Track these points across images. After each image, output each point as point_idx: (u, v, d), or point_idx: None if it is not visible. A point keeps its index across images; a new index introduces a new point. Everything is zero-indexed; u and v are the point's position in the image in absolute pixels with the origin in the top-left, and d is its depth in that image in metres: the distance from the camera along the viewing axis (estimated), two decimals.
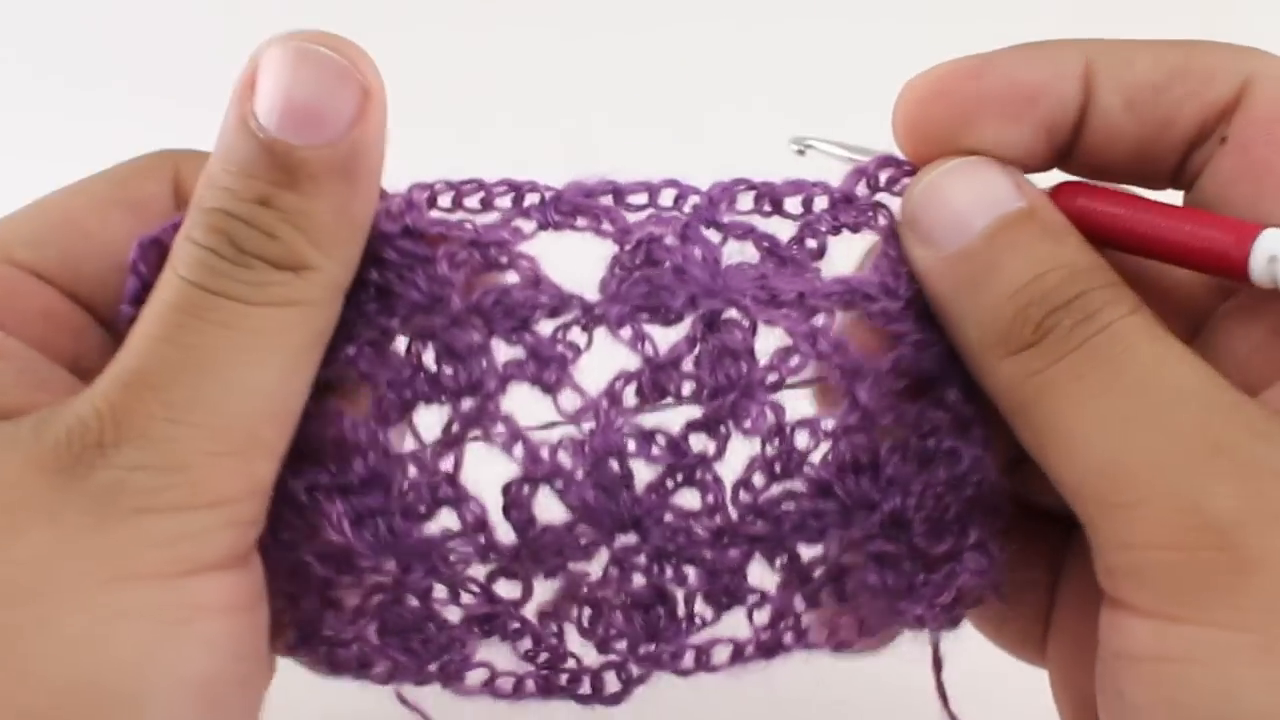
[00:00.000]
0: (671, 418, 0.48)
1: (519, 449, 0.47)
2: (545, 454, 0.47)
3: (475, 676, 0.49)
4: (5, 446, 0.41)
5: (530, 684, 0.49)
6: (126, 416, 0.41)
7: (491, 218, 0.48)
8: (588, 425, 0.47)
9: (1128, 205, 0.47)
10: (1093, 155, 0.48)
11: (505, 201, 0.48)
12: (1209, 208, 0.47)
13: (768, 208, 0.49)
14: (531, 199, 0.48)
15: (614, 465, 0.47)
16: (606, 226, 0.48)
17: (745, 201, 0.49)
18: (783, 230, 0.49)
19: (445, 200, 0.48)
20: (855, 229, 0.49)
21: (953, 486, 0.48)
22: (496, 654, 0.50)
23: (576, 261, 0.49)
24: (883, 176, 0.49)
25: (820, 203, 0.49)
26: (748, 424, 0.47)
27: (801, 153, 0.51)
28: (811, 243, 0.49)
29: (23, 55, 1.08)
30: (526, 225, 0.48)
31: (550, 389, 0.47)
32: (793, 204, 0.49)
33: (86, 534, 0.40)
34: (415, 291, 0.47)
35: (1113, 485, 0.42)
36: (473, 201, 0.48)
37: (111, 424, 0.41)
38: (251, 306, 0.42)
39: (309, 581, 0.48)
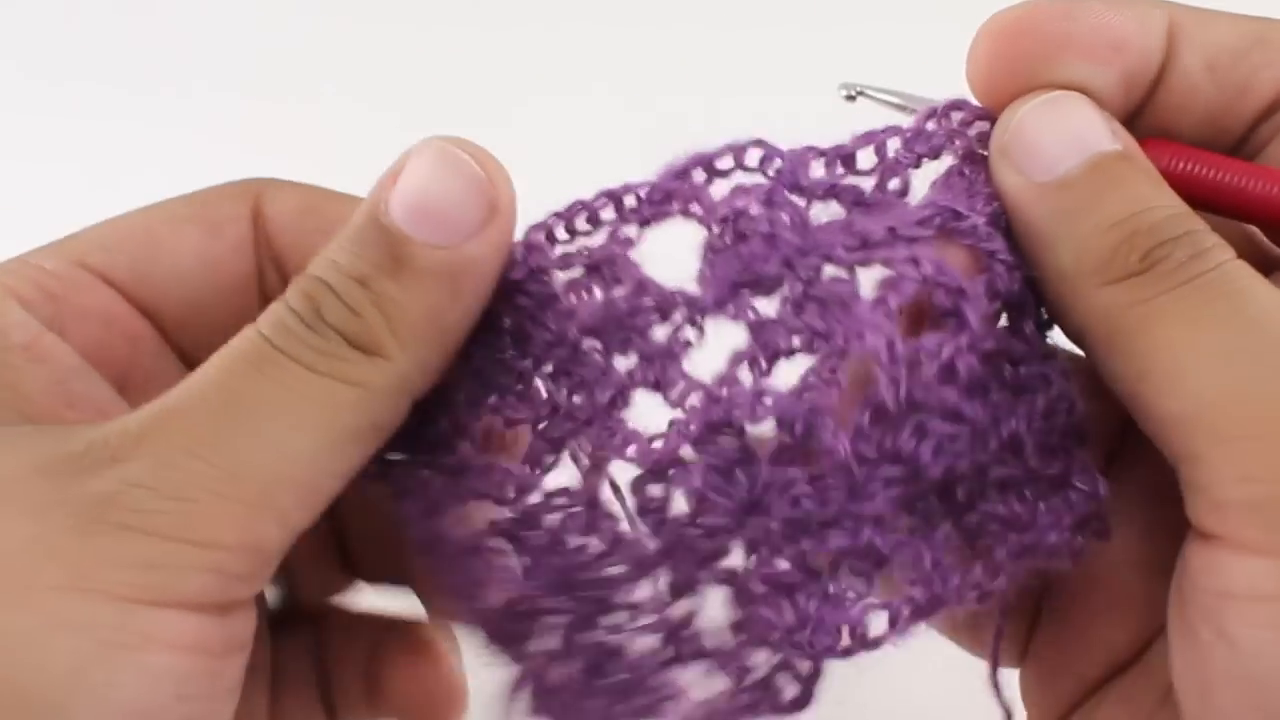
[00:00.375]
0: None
1: (632, 450, 0.46)
2: (659, 445, 0.46)
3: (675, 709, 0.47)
4: (22, 448, 0.41)
5: (721, 710, 0.47)
6: (148, 439, 0.41)
7: (603, 234, 0.48)
8: (693, 401, 0.46)
9: (1219, 164, 0.47)
10: (1166, 114, 0.48)
11: (609, 213, 0.48)
12: None
13: (840, 170, 0.48)
14: (630, 201, 0.47)
15: (726, 440, 0.46)
16: (695, 209, 0.47)
17: (817, 170, 0.48)
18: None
19: (560, 232, 0.48)
20: (935, 155, 0.49)
21: (1049, 412, 0.47)
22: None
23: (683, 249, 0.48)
24: (954, 118, 0.49)
25: (893, 145, 0.49)
26: (867, 342, 0.45)
27: (852, 99, 0.51)
28: (894, 182, 0.49)
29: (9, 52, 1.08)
30: (631, 230, 0.48)
31: (660, 387, 0.46)
32: (864, 157, 0.49)
33: (64, 535, 0.39)
34: (546, 331, 0.47)
35: (1230, 417, 0.41)
36: (581, 223, 0.48)
37: (132, 443, 0.41)
38: (312, 374, 0.42)
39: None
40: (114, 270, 0.48)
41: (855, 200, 0.48)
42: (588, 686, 0.47)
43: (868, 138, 0.48)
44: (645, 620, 0.47)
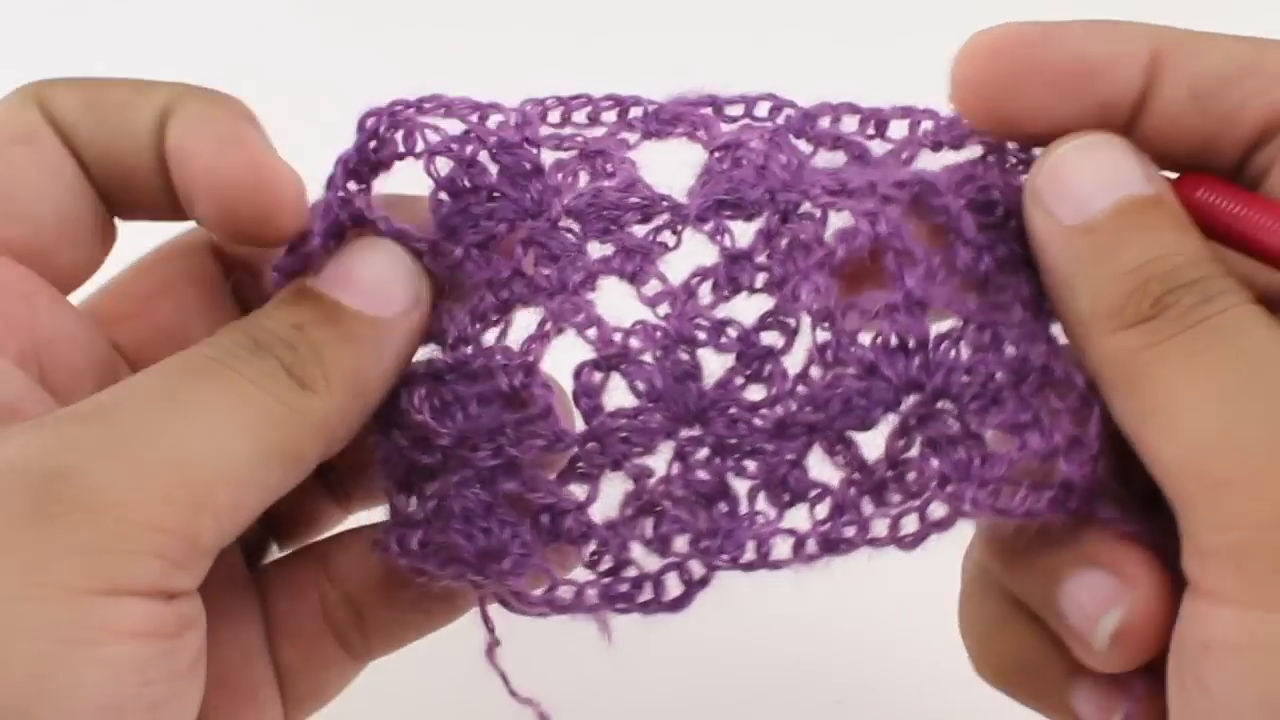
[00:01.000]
0: (742, 314, 0.50)
1: (593, 332, 0.50)
2: (618, 338, 0.49)
3: (535, 585, 0.50)
4: None
5: (591, 593, 0.49)
6: (96, 423, 0.42)
7: (598, 132, 0.51)
8: (663, 310, 0.49)
9: (1252, 205, 0.46)
10: (1151, 143, 0.47)
11: (610, 116, 0.51)
12: None
13: (871, 131, 0.51)
14: (635, 112, 0.51)
15: (684, 354, 0.49)
16: (701, 134, 0.51)
17: (850, 125, 0.51)
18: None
19: (555, 115, 0.51)
20: (957, 147, 0.51)
21: (1012, 369, 0.48)
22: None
23: (677, 174, 0.51)
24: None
25: (926, 125, 0.51)
26: (800, 302, 0.49)
27: None
28: (905, 154, 0.51)
29: None
30: (631, 137, 0.51)
31: (634, 279, 0.50)
32: (898, 129, 0.52)
33: (17, 525, 0.39)
34: (527, 198, 0.50)
35: (1219, 461, 0.41)
36: (580, 116, 0.51)
37: (80, 425, 0.42)
38: (253, 386, 0.44)
39: (400, 465, 0.50)
40: None
41: (859, 155, 0.51)
42: (455, 529, 0.49)
43: (905, 111, 0.51)
44: (539, 494, 0.50)
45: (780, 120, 0.51)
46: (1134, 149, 0.47)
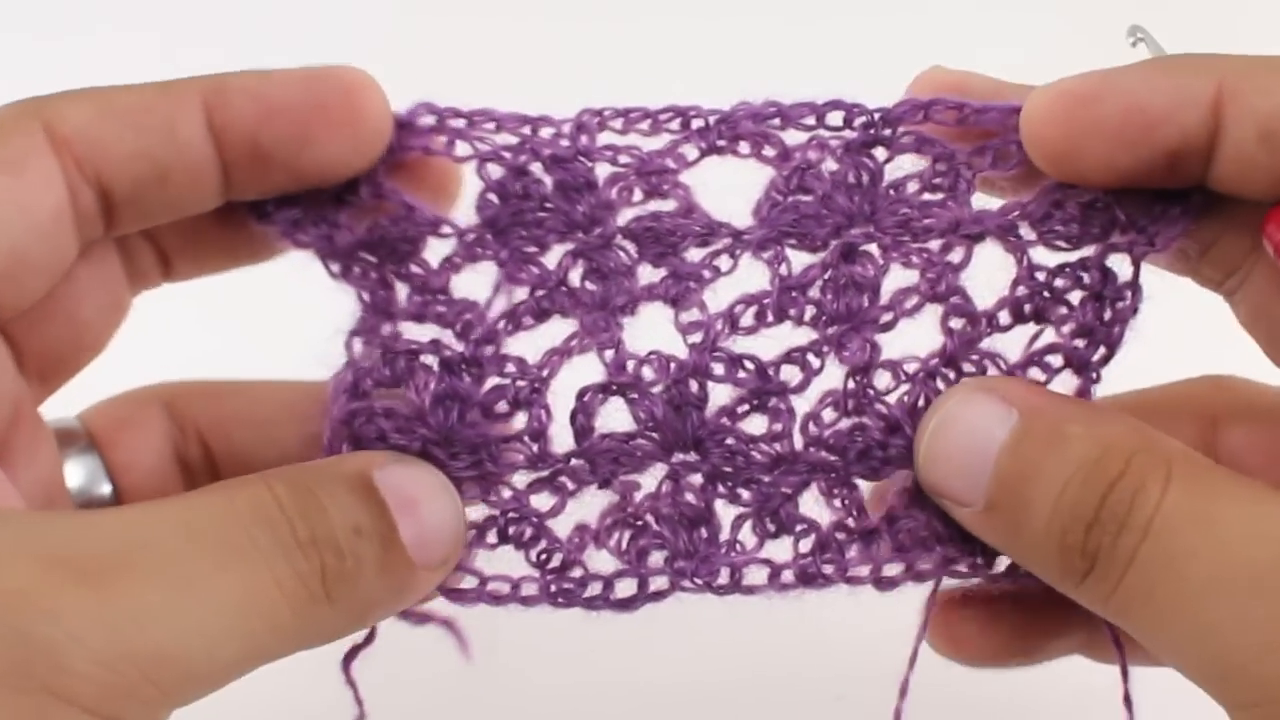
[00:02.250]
0: (764, 347, 0.49)
1: (610, 355, 0.49)
2: (631, 366, 0.49)
3: (466, 580, 0.49)
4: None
5: (531, 588, 0.49)
6: (89, 600, 0.39)
7: (659, 141, 0.50)
8: (694, 338, 0.49)
9: None
10: (1228, 184, 0.46)
11: (673, 126, 0.49)
12: None
13: (970, 120, 0.49)
14: (697, 124, 0.49)
15: (694, 385, 0.49)
16: (768, 151, 0.50)
17: (944, 117, 0.49)
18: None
19: (616, 124, 0.50)
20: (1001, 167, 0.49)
21: None
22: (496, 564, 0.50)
23: (737, 185, 0.50)
24: None
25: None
26: (845, 354, 0.49)
27: (1134, 45, 0.51)
28: (979, 161, 0.49)
29: None
30: (690, 152, 0.50)
31: (676, 304, 0.49)
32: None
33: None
34: (579, 212, 0.49)
35: (1231, 689, 0.41)
36: (641, 128, 0.50)
37: (76, 590, 0.39)
38: (276, 589, 0.42)
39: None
40: None
41: (941, 156, 0.49)
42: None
43: (1009, 118, 0.48)
44: (503, 505, 0.49)
45: (856, 125, 0.49)
46: (987, 386, 0.47)
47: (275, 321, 0.66)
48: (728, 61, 0.97)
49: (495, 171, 0.49)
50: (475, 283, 0.50)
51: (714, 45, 1.00)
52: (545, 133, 0.49)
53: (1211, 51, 0.46)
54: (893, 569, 0.49)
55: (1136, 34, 0.51)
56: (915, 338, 0.50)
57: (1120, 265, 0.49)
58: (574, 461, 0.49)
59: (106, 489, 0.52)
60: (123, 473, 0.52)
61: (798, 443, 0.49)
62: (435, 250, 0.50)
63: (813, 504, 0.50)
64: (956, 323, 0.49)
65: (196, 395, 0.54)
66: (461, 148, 0.50)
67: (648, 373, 0.49)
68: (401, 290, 0.50)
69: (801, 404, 0.50)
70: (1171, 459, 0.43)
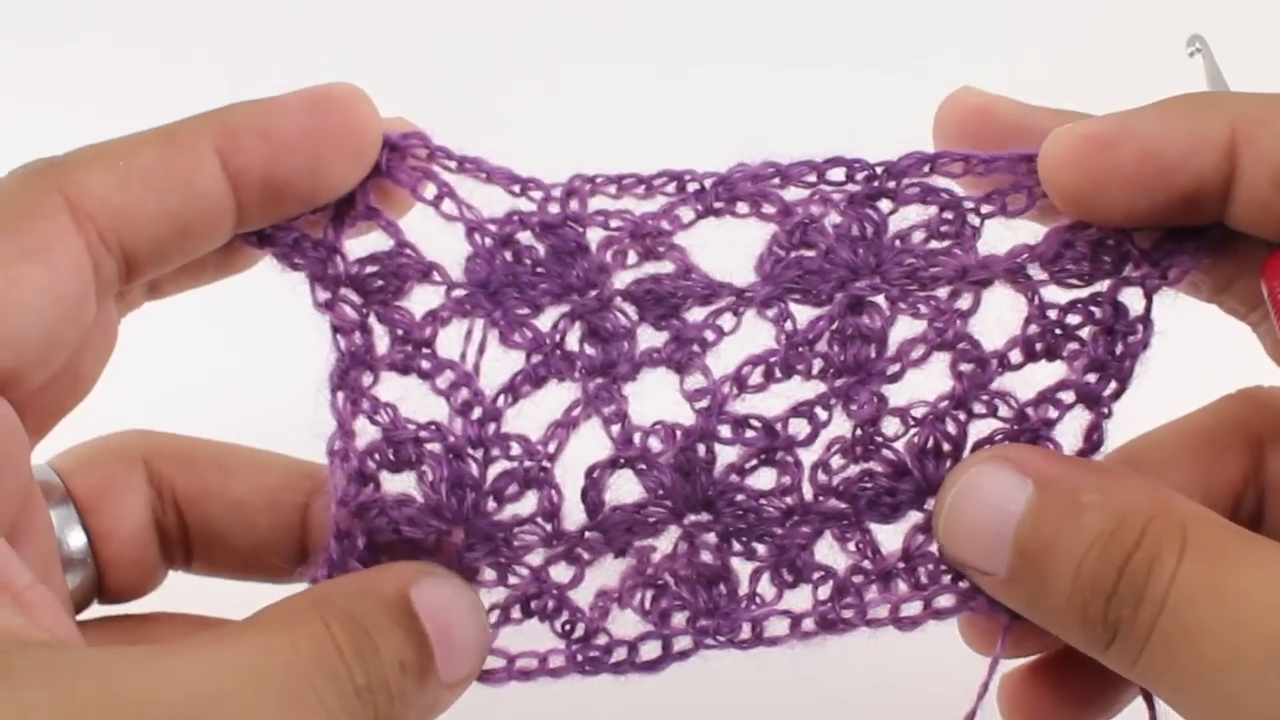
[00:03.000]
0: (771, 401, 0.49)
1: (616, 429, 0.49)
2: (638, 439, 0.49)
3: (495, 661, 0.49)
4: None
5: (559, 659, 0.49)
6: None
7: (654, 204, 0.49)
8: (700, 404, 0.49)
9: None
10: (1245, 225, 0.46)
11: (669, 189, 0.49)
12: None
13: (977, 171, 0.48)
14: (693, 188, 0.49)
15: (701, 450, 0.49)
16: (768, 209, 0.49)
17: (954, 169, 0.48)
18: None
19: (609, 190, 0.49)
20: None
21: None
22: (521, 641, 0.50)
23: (735, 242, 0.49)
24: None
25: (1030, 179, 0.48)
26: (853, 408, 0.48)
27: (1191, 55, 0.51)
28: (988, 208, 0.49)
29: None
30: (686, 214, 0.49)
31: (680, 369, 0.49)
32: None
33: None
34: (574, 275, 0.48)
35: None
36: (636, 193, 0.49)
37: None
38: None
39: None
40: None
41: (946, 205, 0.49)
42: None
43: (1017, 165, 0.48)
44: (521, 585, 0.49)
45: (859, 178, 0.48)
46: (1001, 458, 0.46)
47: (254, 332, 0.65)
48: (747, 81, 0.96)
49: (484, 239, 0.49)
50: (457, 344, 0.50)
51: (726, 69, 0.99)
52: (535, 195, 0.48)
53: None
54: (912, 608, 0.49)
55: (1195, 44, 0.51)
56: (923, 383, 0.49)
57: (1132, 298, 0.48)
58: (588, 535, 0.49)
59: (81, 540, 0.51)
60: (104, 541, 0.52)
61: (807, 493, 0.49)
62: (420, 300, 0.49)
63: (828, 550, 0.50)
64: (966, 367, 0.48)
65: (175, 459, 0.53)
66: (448, 206, 0.49)
67: (654, 444, 0.49)
68: (381, 338, 0.49)
69: (809, 455, 0.49)
70: (1187, 524, 0.43)
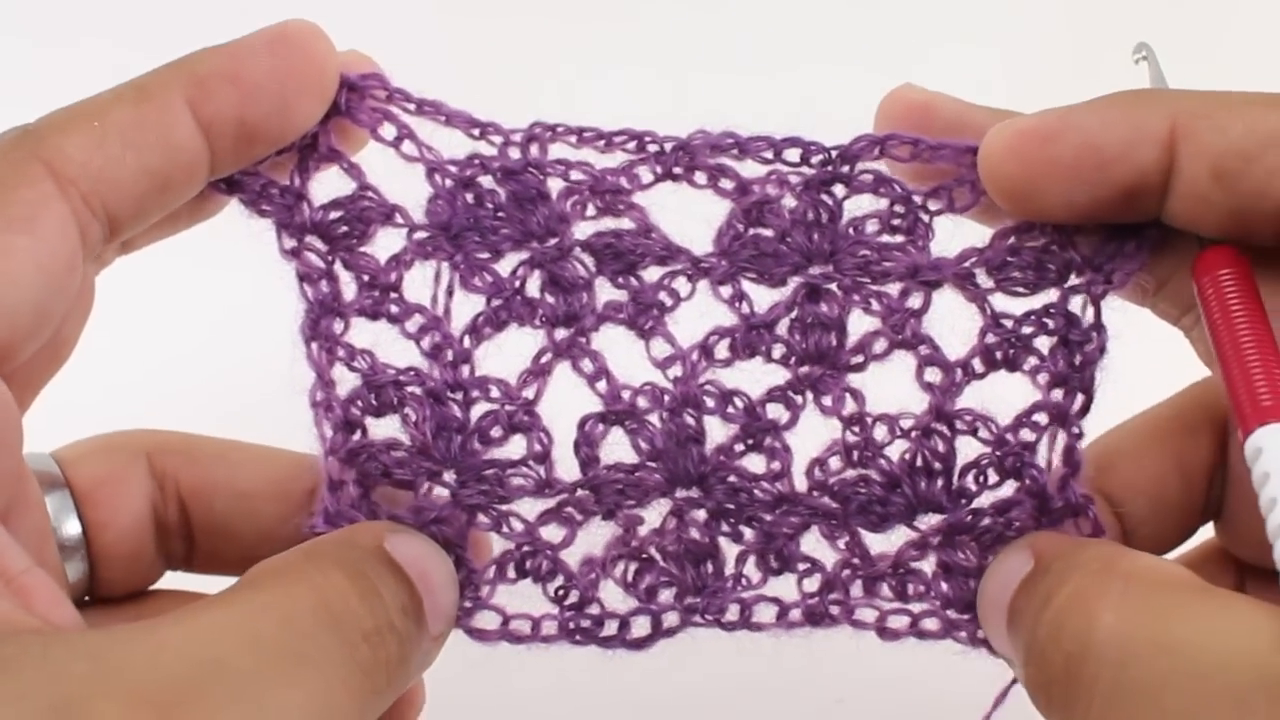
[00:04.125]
0: (749, 383, 0.50)
1: (603, 385, 0.49)
2: (627, 395, 0.49)
3: (490, 620, 0.50)
4: None
5: (551, 626, 0.50)
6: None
7: (613, 160, 0.50)
8: (674, 373, 0.49)
9: (1228, 313, 0.45)
10: (1182, 220, 0.46)
11: (629, 146, 0.49)
12: None
13: (925, 157, 0.49)
14: (653, 149, 0.49)
15: (689, 419, 0.49)
16: (725, 184, 0.49)
17: (901, 153, 0.49)
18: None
19: (569, 140, 0.49)
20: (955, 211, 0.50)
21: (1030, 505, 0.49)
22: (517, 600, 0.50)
23: (695, 211, 0.50)
24: None
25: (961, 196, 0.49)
26: (826, 401, 0.49)
27: (1137, 62, 0.51)
28: (935, 204, 0.49)
29: None
30: (645, 175, 0.50)
31: (644, 335, 0.50)
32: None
33: None
34: (534, 222, 0.49)
35: None
36: (596, 146, 0.50)
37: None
38: (323, 678, 0.41)
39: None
40: None
41: (898, 199, 0.49)
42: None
43: (963, 156, 0.48)
44: (517, 537, 0.50)
45: (814, 162, 0.49)
46: (1023, 541, 0.47)
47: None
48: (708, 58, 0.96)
49: (445, 181, 0.49)
50: (423, 287, 0.50)
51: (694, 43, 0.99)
52: (495, 140, 0.49)
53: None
54: (897, 621, 0.50)
55: (1142, 51, 0.51)
56: (889, 379, 0.50)
57: (1082, 307, 0.49)
58: (579, 491, 0.50)
59: (76, 529, 0.51)
60: (99, 531, 0.51)
61: (799, 484, 0.50)
62: (383, 246, 0.50)
63: (815, 544, 0.50)
64: (933, 374, 0.49)
65: (180, 454, 0.54)
66: (408, 148, 0.49)
67: (643, 402, 0.50)
68: (348, 285, 0.50)
69: (802, 447, 0.50)
70: (1129, 580, 0.42)
